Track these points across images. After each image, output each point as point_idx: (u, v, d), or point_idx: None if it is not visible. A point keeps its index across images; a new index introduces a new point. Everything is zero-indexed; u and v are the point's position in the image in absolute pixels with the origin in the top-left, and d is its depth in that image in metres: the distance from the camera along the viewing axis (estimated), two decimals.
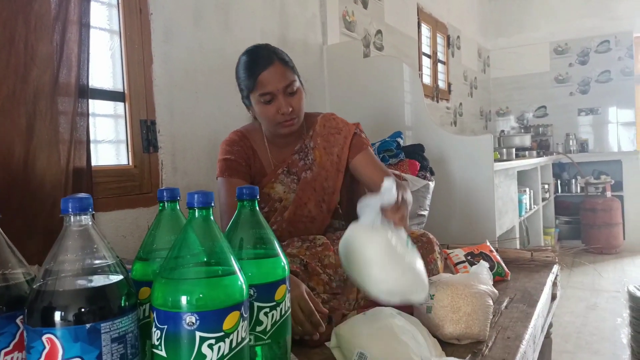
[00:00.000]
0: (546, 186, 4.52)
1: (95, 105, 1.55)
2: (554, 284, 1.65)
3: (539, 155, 4.70)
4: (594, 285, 3.71)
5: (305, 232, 1.41)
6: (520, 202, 3.36)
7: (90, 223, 0.63)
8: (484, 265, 1.26)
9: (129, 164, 1.63)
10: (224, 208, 1.37)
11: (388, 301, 0.96)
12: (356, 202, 1.61)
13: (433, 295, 1.08)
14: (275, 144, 1.48)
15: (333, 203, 1.48)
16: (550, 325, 1.69)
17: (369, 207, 0.97)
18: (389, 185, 0.98)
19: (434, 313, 1.06)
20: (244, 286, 0.66)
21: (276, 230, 1.41)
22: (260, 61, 1.33)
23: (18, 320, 0.64)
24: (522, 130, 5.68)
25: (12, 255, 0.68)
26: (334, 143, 1.47)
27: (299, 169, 1.45)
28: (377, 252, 0.94)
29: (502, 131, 5.77)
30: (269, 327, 0.75)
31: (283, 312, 0.77)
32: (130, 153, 1.63)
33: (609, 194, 4.81)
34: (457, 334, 1.04)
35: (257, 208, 0.79)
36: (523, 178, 3.81)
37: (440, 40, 4.35)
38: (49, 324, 0.58)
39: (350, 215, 1.65)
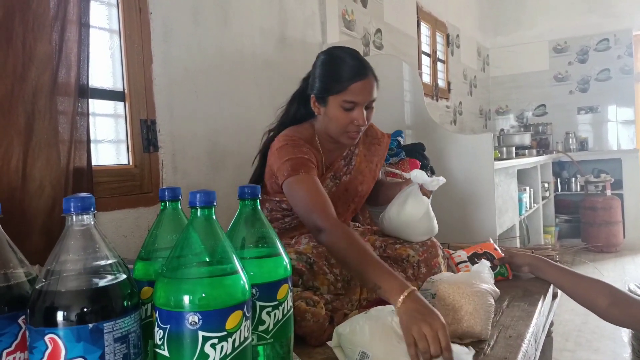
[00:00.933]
0: (546, 185, 4.53)
1: (95, 105, 1.54)
2: None
3: (538, 154, 4.71)
4: None
5: None
6: (520, 200, 3.36)
7: (92, 223, 0.63)
8: (485, 264, 1.26)
9: (129, 163, 1.63)
10: (313, 203, 1.22)
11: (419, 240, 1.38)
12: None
13: (434, 294, 1.08)
14: (326, 148, 1.46)
15: (359, 205, 1.53)
16: (551, 324, 1.69)
17: (416, 183, 1.37)
18: (441, 179, 1.35)
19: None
20: (246, 285, 0.65)
21: (300, 222, 1.38)
22: (358, 70, 1.32)
23: (20, 320, 0.64)
24: (522, 129, 5.68)
25: (13, 254, 0.68)
26: (374, 152, 1.54)
27: (342, 174, 1.48)
28: (426, 209, 1.36)
29: (502, 130, 5.77)
30: (271, 327, 0.75)
31: (285, 311, 0.76)
32: (130, 153, 1.63)
33: (608, 192, 4.81)
34: (459, 333, 1.03)
35: (259, 207, 0.78)
36: (523, 177, 3.81)
37: (439, 39, 4.35)
38: (52, 324, 0.58)
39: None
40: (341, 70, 1.33)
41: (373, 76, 1.36)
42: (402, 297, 0.94)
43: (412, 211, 1.34)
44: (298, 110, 1.49)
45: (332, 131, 1.39)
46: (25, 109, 1.19)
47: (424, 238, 1.39)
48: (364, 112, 1.34)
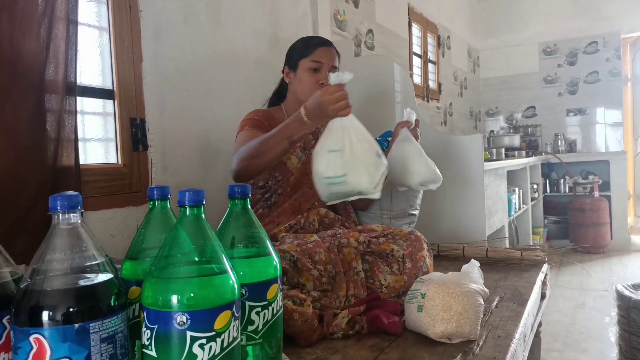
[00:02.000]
0: (535, 186, 4.56)
1: (84, 103, 1.53)
2: (544, 283, 1.66)
3: (527, 155, 4.74)
4: (582, 285, 3.74)
5: (302, 196, 1.60)
6: (509, 201, 3.38)
7: (79, 221, 0.62)
8: (474, 264, 1.26)
9: (118, 162, 1.61)
10: (236, 149, 1.47)
11: (418, 187, 1.69)
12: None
13: (424, 294, 1.08)
14: None
15: None
16: (540, 324, 1.70)
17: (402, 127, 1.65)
18: (410, 111, 1.65)
19: (425, 312, 1.06)
20: (235, 285, 0.65)
21: (280, 194, 1.60)
22: (322, 40, 1.65)
23: (5, 320, 0.63)
24: (512, 131, 5.72)
25: None
26: None
27: (310, 146, 1.64)
28: (418, 152, 1.65)
29: (492, 131, 5.81)
30: (260, 327, 0.75)
31: (275, 311, 0.76)
32: (119, 151, 1.61)
33: (596, 194, 4.86)
34: (449, 333, 1.04)
35: (249, 207, 0.78)
36: (512, 178, 3.83)
37: (430, 40, 4.37)
38: (37, 323, 0.57)
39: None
40: (310, 40, 1.65)
41: (335, 49, 1.64)
42: (303, 114, 1.28)
43: (409, 148, 1.62)
44: (273, 99, 1.76)
45: (302, 94, 1.59)
46: (12, 107, 1.17)
47: (429, 183, 1.64)
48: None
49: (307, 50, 1.59)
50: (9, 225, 1.17)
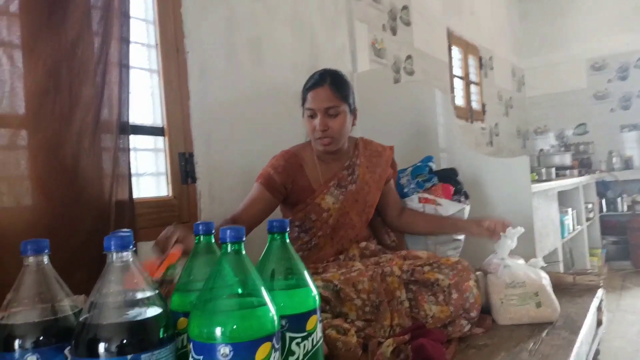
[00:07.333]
0: (590, 205, 4.37)
1: (137, 140, 1.62)
2: (599, 309, 1.60)
3: (580, 174, 4.57)
4: None
5: (344, 238, 1.58)
6: (562, 223, 3.26)
7: (131, 259, 0.67)
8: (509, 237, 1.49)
9: (168, 195, 1.69)
10: (241, 205, 1.53)
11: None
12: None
13: (537, 292, 1.36)
14: (325, 161, 1.63)
15: (370, 215, 1.66)
16: (597, 352, 1.63)
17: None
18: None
19: (544, 305, 1.35)
20: (275, 317, 0.68)
21: (321, 236, 1.57)
22: (314, 81, 1.55)
23: (66, 351, 0.68)
24: (562, 149, 5.53)
25: (60, 289, 0.73)
26: (376, 164, 1.69)
27: (346, 183, 1.62)
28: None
29: (541, 150, 5.64)
30: (301, 358, 0.76)
31: (315, 342, 0.78)
32: (169, 184, 1.69)
33: None
34: (531, 315, 1.34)
35: (288, 240, 0.81)
36: (564, 198, 3.69)
37: (472, 61, 4.34)
38: (94, 354, 0.62)
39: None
40: (306, 83, 1.58)
41: (331, 85, 1.52)
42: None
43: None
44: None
45: (311, 140, 1.60)
46: (71, 148, 1.26)
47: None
48: (326, 119, 1.52)
49: (302, 97, 1.58)
50: (68, 257, 1.24)
